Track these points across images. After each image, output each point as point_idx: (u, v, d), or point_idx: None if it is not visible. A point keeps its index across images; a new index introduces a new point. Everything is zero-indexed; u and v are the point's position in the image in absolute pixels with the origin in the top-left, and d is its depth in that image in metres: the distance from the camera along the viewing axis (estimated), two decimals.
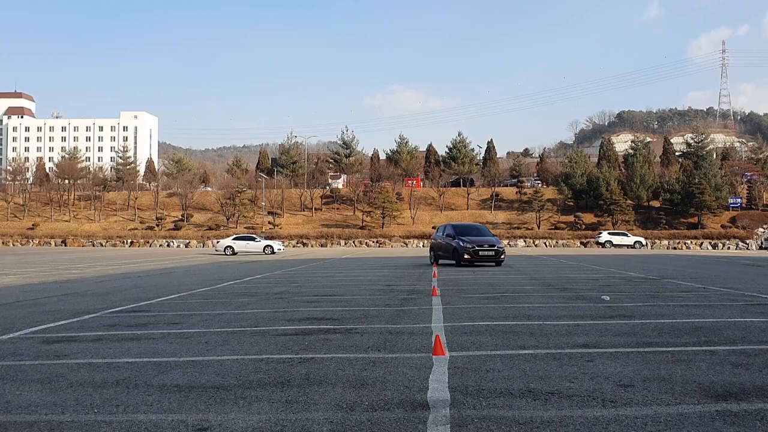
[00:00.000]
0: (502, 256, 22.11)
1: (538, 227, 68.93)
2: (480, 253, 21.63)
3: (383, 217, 69.65)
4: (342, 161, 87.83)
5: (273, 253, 41.39)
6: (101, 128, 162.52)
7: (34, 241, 68.78)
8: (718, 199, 67.41)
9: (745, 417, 3.94)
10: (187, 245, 65.28)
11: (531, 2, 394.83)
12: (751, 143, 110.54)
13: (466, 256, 21.49)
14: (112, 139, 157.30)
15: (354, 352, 6.12)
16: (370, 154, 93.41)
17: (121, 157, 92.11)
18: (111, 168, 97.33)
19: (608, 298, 11.13)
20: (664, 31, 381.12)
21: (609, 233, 59.90)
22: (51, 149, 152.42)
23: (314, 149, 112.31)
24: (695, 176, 69.02)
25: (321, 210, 78.07)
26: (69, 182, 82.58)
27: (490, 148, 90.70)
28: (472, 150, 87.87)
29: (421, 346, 6.45)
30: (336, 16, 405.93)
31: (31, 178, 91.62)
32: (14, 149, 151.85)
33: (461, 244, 21.92)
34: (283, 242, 50.51)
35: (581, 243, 62.90)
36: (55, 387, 4.87)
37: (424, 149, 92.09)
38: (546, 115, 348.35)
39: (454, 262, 22.46)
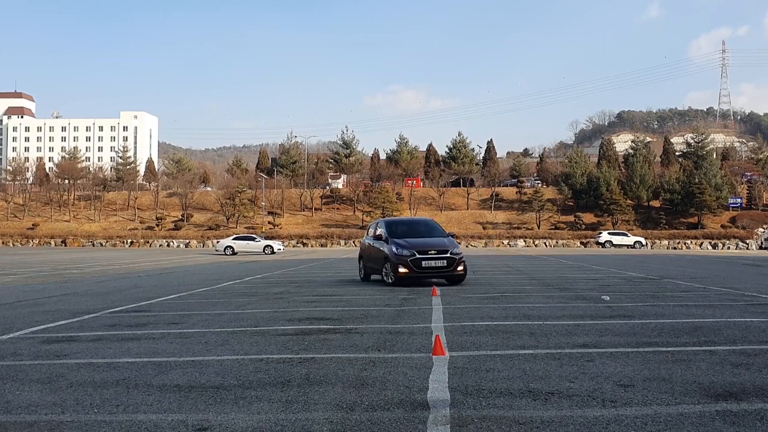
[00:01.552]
0: (459, 268, 14.18)
1: (538, 227, 68.93)
2: (423, 263, 13.87)
3: (383, 217, 69.60)
4: (342, 161, 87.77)
5: (273, 253, 41.41)
6: (101, 128, 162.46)
7: (34, 241, 68.76)
8: (718, 199, 67.40)
9: (745, 417, 3.93)
10: (187, 245, 65.27)
11: (531, 2, 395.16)
12: (751, 143, 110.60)
13: (401, 270, 13.80)
14: (112, 139, 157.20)
15: (354, 352, 6.12)
16: (370, 154, 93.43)
17: (121, 157, 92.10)
18: (111, 168, 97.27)
19: (608, 298, 11.12)
20: (664, 31, 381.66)
21: (609, 233, 59.91)
22: (51, 149, 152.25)
23: (314, 149, 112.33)
24: (695, 176, 69.02)
25: (321, 210, 78.05)
26: (69, 182, 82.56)
27: (490, 148, 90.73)
28: (472, 150, 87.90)
29: (421, 346, 6.45)
30: (336, 16, 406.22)
31: (31, 178, 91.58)
32: (14, 149, 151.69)
33: (395, 250, 14.09)
34: (283, 242, 50.54)
35: (581, 243, 62.89)
36: (55, 387, 4.87)
37: (424, 149, 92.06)
38: (546, 115, 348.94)
39: (388, 279, 14.32)
